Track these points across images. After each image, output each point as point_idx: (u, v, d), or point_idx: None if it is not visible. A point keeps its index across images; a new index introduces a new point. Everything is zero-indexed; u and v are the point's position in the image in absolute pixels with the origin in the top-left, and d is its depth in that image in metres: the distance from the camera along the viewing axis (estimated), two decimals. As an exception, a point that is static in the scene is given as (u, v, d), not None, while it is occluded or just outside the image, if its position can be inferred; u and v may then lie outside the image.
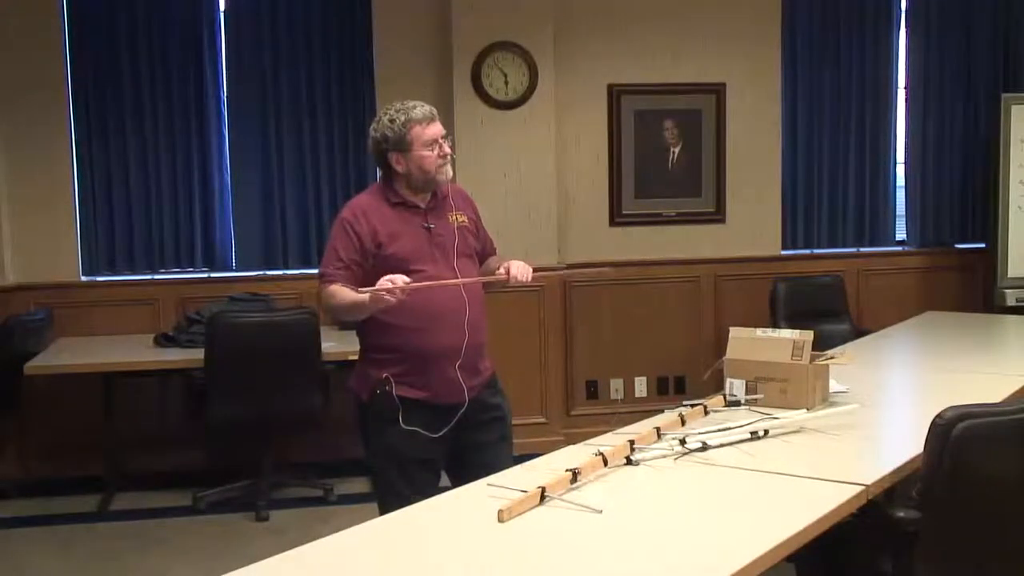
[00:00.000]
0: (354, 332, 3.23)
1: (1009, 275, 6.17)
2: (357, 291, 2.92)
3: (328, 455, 5.55)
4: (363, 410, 3.15)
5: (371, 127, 3.14)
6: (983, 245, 6.41)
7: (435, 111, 3.12)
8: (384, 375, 3.07)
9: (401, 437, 3.05)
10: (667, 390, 6.10)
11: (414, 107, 3.08)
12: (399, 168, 3.08)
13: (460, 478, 2.92)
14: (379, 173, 3.22)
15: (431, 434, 3.06)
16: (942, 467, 2.44)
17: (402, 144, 3.05)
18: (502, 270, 3.12)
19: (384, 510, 2.77)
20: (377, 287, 2.85)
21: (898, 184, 6.50)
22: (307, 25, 5.73)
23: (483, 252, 3.34)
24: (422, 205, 3.13)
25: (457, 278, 3.09)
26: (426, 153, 3.06)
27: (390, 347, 3.08)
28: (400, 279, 2.87)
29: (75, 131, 5.58)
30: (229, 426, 4.89)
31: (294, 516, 4.89)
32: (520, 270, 3.11)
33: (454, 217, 3.19)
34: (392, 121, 3.06)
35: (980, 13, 6.36)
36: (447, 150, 3.10)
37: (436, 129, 3.08)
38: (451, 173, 3.16)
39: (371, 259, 3.06)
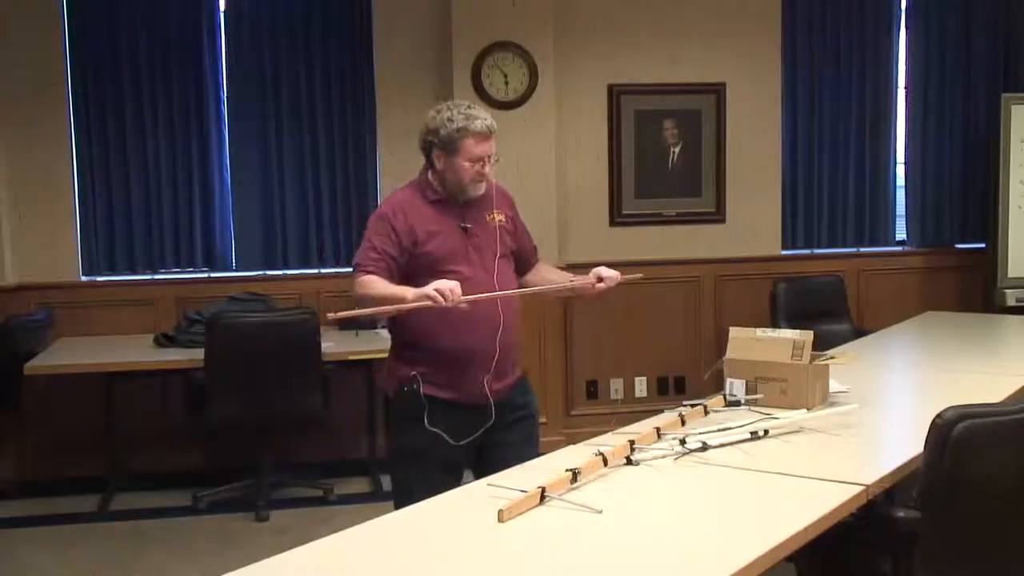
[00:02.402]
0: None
1: (1009, 275, 6.16)
2: (407, 296, 2.88)
3: (328, 455, 5.55)
4: (389, 406, 3.16)
5: (430, 113, 3.10)
6: (983, 245, 6.41)
7: (495, 127, 3.07)
8: (412, 373, 3.07)
9: (424, 437, 3.04)
10: (667, 390, 6.10)
11: (476, 118, 3.03)
12: (438, 164, 3.07)
13: (482, 475, 2.91)
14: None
15: (454, 441, 3.04)
16: (942, 467, 2.44)
17: (449, 148, 3.03)
18: (592, 277, 3.14)
19: (400, 507, 2.77)
20: (429, 293, 2.82)
21: (898, 184, 6.50)
22: (307, 25, 5.73)
23: (520, 251, 3.30)
24: (460, 203, 3.11)
25: (493, 278, 3.07)
26: (467, 165, 3.03)
27: (420, 346, 3.07)
28: (456, 288, 2.84)
29: (75, 131, 5.58)
30: (229, 426, 4.88)
31: (294, 516, 4.89)
32: (609, 273, 3.15)
33: (492, 216, 3.17)
34: (450, 121, 3.02)
35: (980, 13, 6.36)
36: (487, 171, 3.07)
37: (487, 148, 3.04)
38: (483, 189, 3.11)
39: (406, 256, 3.04)
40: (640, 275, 3.33)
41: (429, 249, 3.05)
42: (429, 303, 2.82)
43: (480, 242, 3.12)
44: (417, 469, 3.04)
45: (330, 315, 2.93)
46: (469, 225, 3.11)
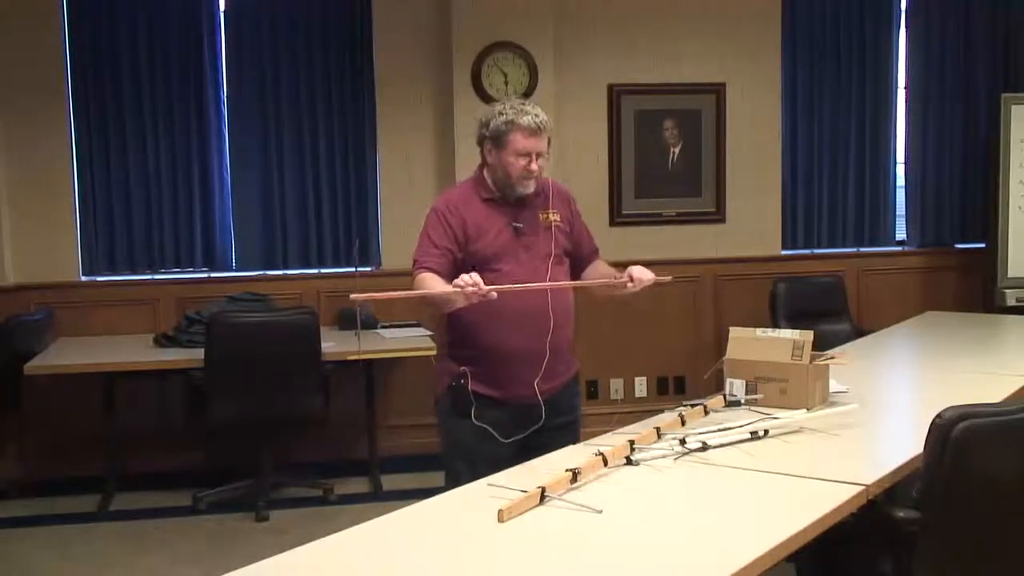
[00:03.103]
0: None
1: (1009, 275, 6.17)
2: (435, 291, 2.86)
3: (328, 455, 5.55)
4: (439, 403, 3.17)
5: (486, 109, 3.15)
6: (983, 245, 6.41)
7: (546, 124, 3.07)
8: (461, 369, 3.08)
9: (472, 433, 3.05)
10: (667, 390, 6.10)
11: (526, 114, 3.04)
12: (488, 158, 3.10)
13: None
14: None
15: (502, 438, 3.04)
16: (942, 467, 2.43)
17: (497, 141, 3.05)
18: (625, 276, 3.11)
19: None
20: (454, 284, 2.79)
21: (898, 184, 6.50)
22: (307, 25, 5.73)
23: (577, 252, 3.29)
24: (512, 202, 3.11)
25: (544, 279, 3.06)
26: (513, 160, 3.04)
27: (468, 344, 3.09)
28: (474, 278, 2.78)
29: (75, 131, 5.57)
30: (229, 426, 4.88)
31: (294, 516, 4.89)
32: (642, 274, 3.11)
33: (547, 216, 3.16)
34: (501, 114, 3.05)
35: (980, 13, 6.37)
36: (535, 168, 3.06)
37: (534, 144, 3.04)
38: (533, 188, 3.10)
39: (461, 251, 3.05)
40: (670, 277, 3.31)
41: (478, 247, 3.05)
42: (457, 292, 2.78)
43: (531, 242, 3.11)
44: (466, 464, 3.02)
45: (352, 296, 2.87)
46: (520, 224, 3.10)
